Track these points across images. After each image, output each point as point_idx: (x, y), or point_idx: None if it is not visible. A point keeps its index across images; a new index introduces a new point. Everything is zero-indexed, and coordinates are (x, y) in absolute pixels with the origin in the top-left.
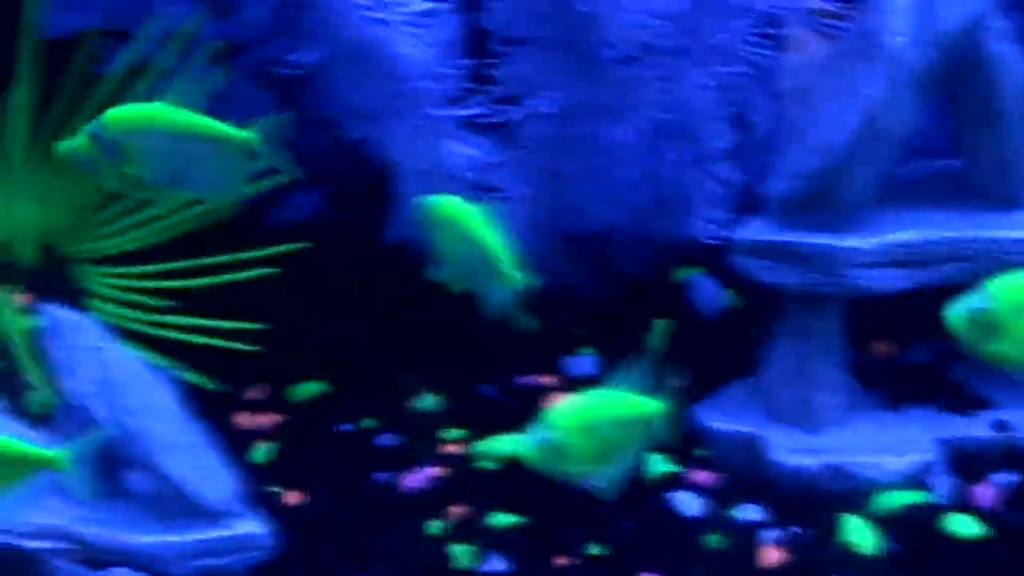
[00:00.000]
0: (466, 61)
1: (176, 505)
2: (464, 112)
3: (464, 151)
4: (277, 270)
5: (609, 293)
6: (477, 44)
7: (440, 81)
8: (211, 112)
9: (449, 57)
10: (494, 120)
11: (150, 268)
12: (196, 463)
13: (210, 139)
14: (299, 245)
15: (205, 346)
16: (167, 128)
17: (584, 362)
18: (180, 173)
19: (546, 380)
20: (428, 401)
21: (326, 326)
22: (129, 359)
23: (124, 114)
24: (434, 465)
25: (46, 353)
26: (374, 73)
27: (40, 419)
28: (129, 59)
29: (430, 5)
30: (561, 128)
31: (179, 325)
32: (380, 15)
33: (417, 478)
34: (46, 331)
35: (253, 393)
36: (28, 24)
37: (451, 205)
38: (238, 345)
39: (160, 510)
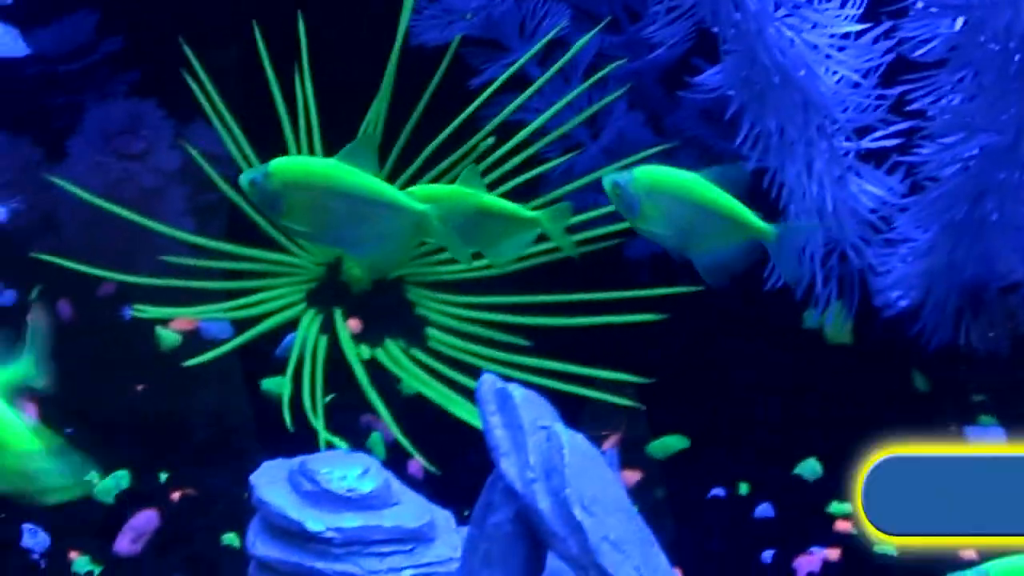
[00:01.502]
0: (886, 91)
1: None
2: (875, 146)
3: (869, 189)
4: (659, 316)
5: (1014, 354)
6: (899, 72)
7: (854, 112)
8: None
9: (867, 86)
10: (904, 156)
11: (496, 300)
12: (642, 563)
13: (381, 205)
14: (685, 288)
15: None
16: (336, 188)
17: (988, 433)
18: (343, 234)
19: None
20: (810, 467)
21: (688, 370)
22: (579, 443)
23: (291, 166)
24: (826, 545)
25: (484, 426)
26: (784, 98)
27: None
28: (503, 72)
29: (854, 27)
30: (986, 169)
31: (531, 367)
32: (805, 37)
33: (811, 561)
34: (485, 402)
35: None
36: (396, 32)
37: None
38: (613, 398)
39: None
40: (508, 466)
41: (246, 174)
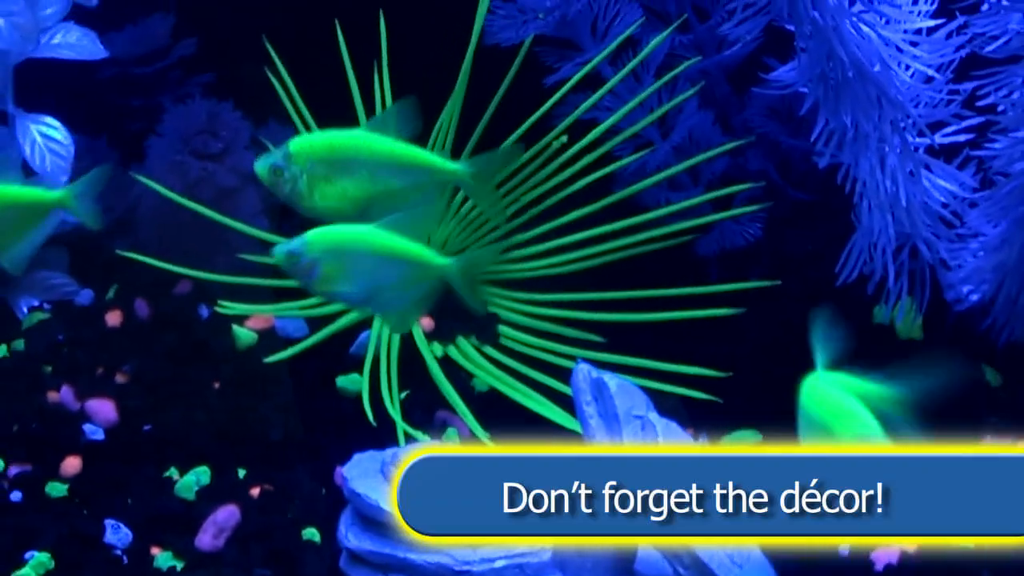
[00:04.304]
0: (958, 86)
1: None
2: (948, 141)
3: (940, 183)
4: (733, 311)
5: None
6: (971, 68)
7: (926, 107)
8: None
9: (940, 81)
10: (975, 151)
11: (569, 297)
12: (735, 552)
13: (411, 169)
14: (758, 284)
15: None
16: (363, 159)
17: None
18: (368, 211)
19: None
20: None
21: (760, 365)
22: (673, 431)
23: (312, 144)
24: None
25: (579, 415)
26: (859, 93)
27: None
28: (576, 71)
29: (928, 22)
30: None
31: (605, 363)
32: (880, 32)
33: (888, 554)
34: (580, 391)
35: None
36: (471, 32)
37: None
38: (692, 392)
39: None
40: None
41: (263, 159)
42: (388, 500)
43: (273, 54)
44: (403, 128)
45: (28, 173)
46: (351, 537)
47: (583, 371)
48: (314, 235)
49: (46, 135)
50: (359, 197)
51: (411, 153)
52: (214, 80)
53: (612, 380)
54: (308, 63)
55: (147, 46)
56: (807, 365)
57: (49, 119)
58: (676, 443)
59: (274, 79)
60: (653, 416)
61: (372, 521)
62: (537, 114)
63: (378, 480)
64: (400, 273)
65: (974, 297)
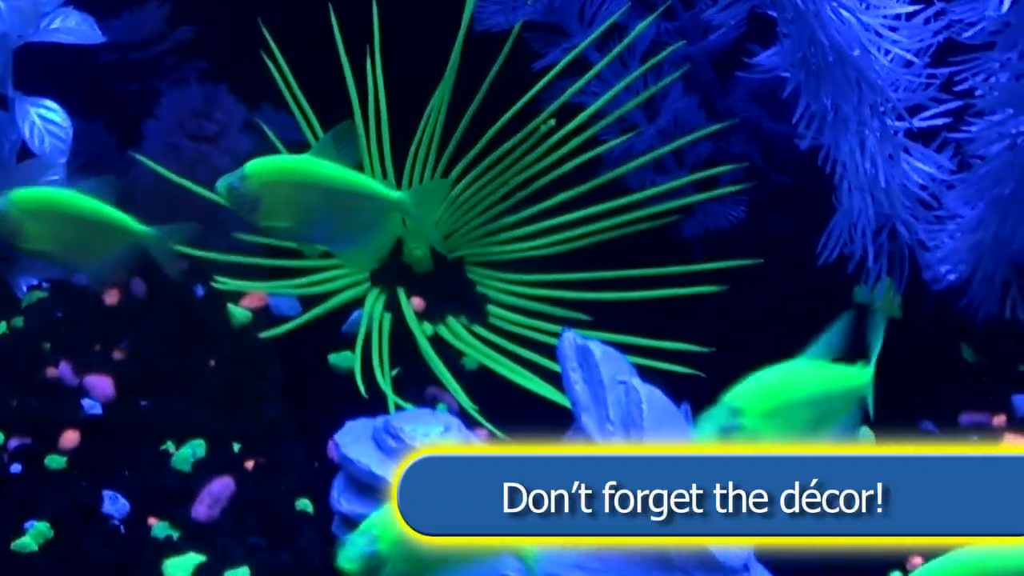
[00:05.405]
0: (936, 70)
1: (690, 561)
2: (926, 125)
3: (921, 167)
4: (721, 287)
5: None
6: (949, 53)
7: (905, 91)
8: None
9: (919, 65)
10: (952, 134)
11: (557, 277)
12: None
13: (356, 196)
14: (741, 262)
15: None
16: (311, 182)
17: None
18: (322, 230)
19: (994, 420)
20: (863, 435)
21: (744, 343)
22: (656, 397)
23: (265, 167)
24: None
25: (565, 381)
26: (839, 77)
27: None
28: (565, 57)
29: (906, 8)
30: None
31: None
32: (860, 17)
33: None
34: (566, 358)
35: None
36: (460, 18)
37: None
38: (679, 368)
39: (668, 565)
40: (588, 420)
41: (223, 180)
42: (380, 466)
43: (268, 38)
44: (344, 150)
45: (28, 155)
46: (343, 502)
47: (569, 339)
48: (17, 195)
49: (45, 118)
50: (305, 218)
51: (355, 180)
52: (209, 65)
53: (597, 347)
54: (301, 47)
55: (144, 32)
56: (788, 341)
57: (48, 102)
58: (660, 411)
59: (270, 63)
60: (636, 381)
61: (364, 486)
62: (525, 98)
63: (370, 446)
64: (97, 235)
65: (951, 277)
